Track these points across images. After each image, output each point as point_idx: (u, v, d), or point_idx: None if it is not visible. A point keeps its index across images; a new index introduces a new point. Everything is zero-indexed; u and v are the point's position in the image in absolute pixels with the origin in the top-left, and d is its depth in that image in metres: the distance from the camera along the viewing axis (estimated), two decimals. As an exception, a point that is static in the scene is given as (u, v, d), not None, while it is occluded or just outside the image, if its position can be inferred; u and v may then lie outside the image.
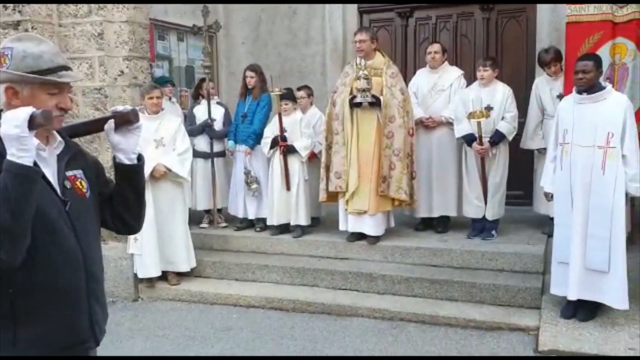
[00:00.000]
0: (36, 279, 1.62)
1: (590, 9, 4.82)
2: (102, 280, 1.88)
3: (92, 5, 5.15)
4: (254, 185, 5.79)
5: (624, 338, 3.82)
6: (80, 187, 1.77)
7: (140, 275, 5.25)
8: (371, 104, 5.10)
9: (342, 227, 5.42)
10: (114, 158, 1.83)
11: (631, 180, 3.83)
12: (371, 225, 5.27)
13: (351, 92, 5.19)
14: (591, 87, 3.89)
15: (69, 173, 1.75)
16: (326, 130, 5.36)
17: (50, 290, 1.65)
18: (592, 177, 3.88)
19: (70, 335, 1.72)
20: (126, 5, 5.18)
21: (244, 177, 5.84)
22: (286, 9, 7.62)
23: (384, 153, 5.15)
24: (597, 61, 3.94)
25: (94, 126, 1.84)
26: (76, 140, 1.90)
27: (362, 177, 5.19)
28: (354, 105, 5.16)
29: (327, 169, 5.35)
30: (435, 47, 5.61)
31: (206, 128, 6.05)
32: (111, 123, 1.76)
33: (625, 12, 4.78)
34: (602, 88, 3.91)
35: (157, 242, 5.13)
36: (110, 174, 1.92)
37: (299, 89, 5.96)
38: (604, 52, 4.74)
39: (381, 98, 5.09)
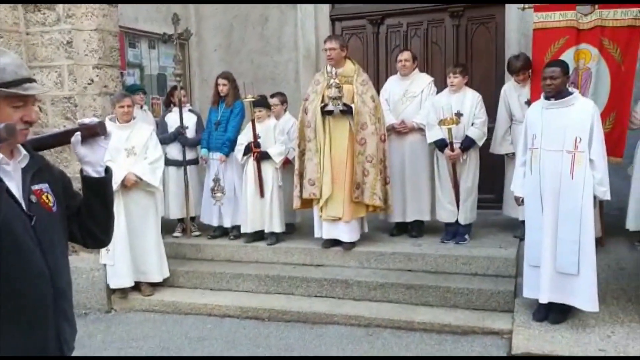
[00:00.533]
0: (0, 296, 1.58)
1: (556, 16, 4.97)
2: (70, 295, 1.83)
3: (61, 13, 5.08)
4: (218, 194, 5.77)
5: (594, 340, 3.89)
6: (47, 201, 1.73)
7: (112, 286, 5.18)
8: (343, 112, 5.12)
9: (317, 234, 5.42)
10: (81, 171, 1.81)
11: (599, 184, 3.90)
12: (346, 232, 5.28)
13: (323, 100, 5.21)
14: (559, 93, 3.96)
15: (35, 187, 1.71)
16: (299, 137, 5.37)
17: (16, 307, 1.61)
18: (561, 182, 3.94)
19: (37, 354, 1.67)
20: (95, 13, 5.12)
21: (211, 184, 5.81)
22: (258, 16, 7.62)
23: (356, 160, 5.17)
24: (565, 67, 4.02)
25: (60, 139, 1.81)
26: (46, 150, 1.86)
27: (336, 184, 5.20)
28: (325, 113, 5.17)
29: (301, 176, 5.36)
30: (406, 55, 5.65)
31: (178, 136, 6.01)
32: (78, 136, 1.74)
33: (589, 20, 4.91)
34: (569, 94, 3.99)
35: (129, 252, 5.07)
36: (79, 187, 1.89)
37: (272, 96, 5.99)
38: (567, 56, 4.87)
39: (352, 106, 5.12)
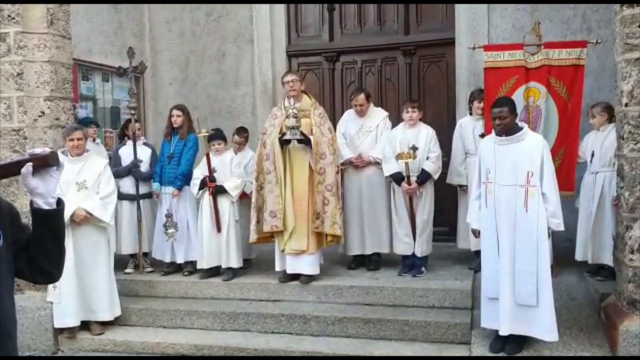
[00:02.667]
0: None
1: (505, 55, 5.17)
2: (15, 335, 1.73)
3: (11, 44, 4.96)
4: (171, 230, 5.65)
5: (549, 369, 3.94)
6: (-8, 235, 1.66)
7: (56, 325, 4.95)
8: (300, 142, 5.14)
9: (278, 267, 5.36)
10: (32, 203, 1.73)
11: (552, 216, 3.99)
12: (310, 264, 5.25)
13: (281, 132, 5.22)
14: (509, 130, 4.07)
15: (-20, 221, 1.64)
16: (257, 170, 5.35)
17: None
18: (516, 216, 4.02)
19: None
20: (48, 45, 5.03)
21: (163, 220, 5.70)
22: (214, 51, 7.66)
23: (316, 189, 5.19)
24: (511, 105, 4.11)
25: (10, 169, 1.73)
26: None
27: (298, 216, 5.20)
28: (283, 142, 5.18)
29: (259, 209, 5.31)
30: (360, 99, 5.64)
31: (133, 169, 5.89)
32: (29, 166, 1.67)
33: (536, 59, 5.14)
34: (519, 129, 4.08)
35: (77, 290, 4.87)
36: (27, 220, 1.81)
37: (234, 134, 5.99)
38: (518, 95, 5.07)
39: (311, 137, 5.15)
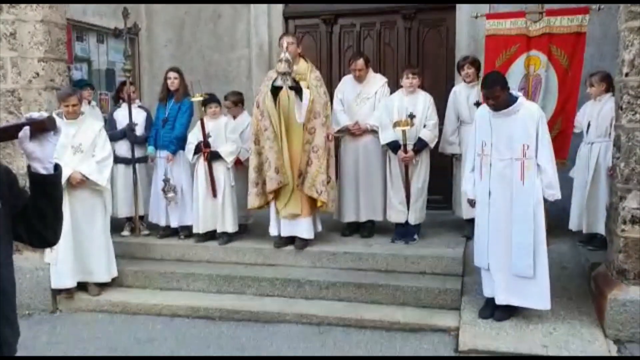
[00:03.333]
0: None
1: (507, 23, 5.14)
2: (14, 297, 1.76)
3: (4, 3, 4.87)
4: (170, 194, 5.67)
5: (537, 337, 4.03)
6: (-10, 199, 1.66)
7: (53, 286, 5.02)
8: (291, 89, 5.00)
9: (272, 232, 5.39)
10: (29, 167, 1.74)
11: (547, 187, 4.00)
12: (305, 229, 5.28)
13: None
14: (505, 105, 4.00)
15: (-23, 185, 1.64)
16: (255, 134, 5.29)
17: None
18: (513, 189, 4.04)
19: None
20: (41, 4, 4.94)
21: (161, 185, 5.71)
22: (210, 12, 7.53)
23: (303, 148, 5.15)
24: (502, 82, 4.01)
25: (7, 134, 1.73)
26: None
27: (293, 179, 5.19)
28: (275, 90, 5.06)
29: (261, 172, 5.26)
30: (359, 64, 5.57)
31: (128, 132, 5.87)
32: (26, 130, 1.66)
33: (538, 27, 5.09)
34: (514, 100, 4.02)
35: (73, 252, 4.92)
36: (24, 182, 1.82)
37: (225, 98, 5.91)
38: (519, 64, 5.05)
39: (306, 92, 5.02)
